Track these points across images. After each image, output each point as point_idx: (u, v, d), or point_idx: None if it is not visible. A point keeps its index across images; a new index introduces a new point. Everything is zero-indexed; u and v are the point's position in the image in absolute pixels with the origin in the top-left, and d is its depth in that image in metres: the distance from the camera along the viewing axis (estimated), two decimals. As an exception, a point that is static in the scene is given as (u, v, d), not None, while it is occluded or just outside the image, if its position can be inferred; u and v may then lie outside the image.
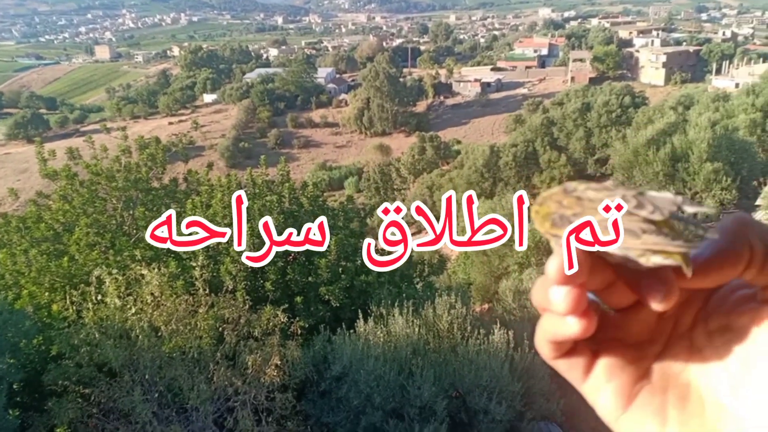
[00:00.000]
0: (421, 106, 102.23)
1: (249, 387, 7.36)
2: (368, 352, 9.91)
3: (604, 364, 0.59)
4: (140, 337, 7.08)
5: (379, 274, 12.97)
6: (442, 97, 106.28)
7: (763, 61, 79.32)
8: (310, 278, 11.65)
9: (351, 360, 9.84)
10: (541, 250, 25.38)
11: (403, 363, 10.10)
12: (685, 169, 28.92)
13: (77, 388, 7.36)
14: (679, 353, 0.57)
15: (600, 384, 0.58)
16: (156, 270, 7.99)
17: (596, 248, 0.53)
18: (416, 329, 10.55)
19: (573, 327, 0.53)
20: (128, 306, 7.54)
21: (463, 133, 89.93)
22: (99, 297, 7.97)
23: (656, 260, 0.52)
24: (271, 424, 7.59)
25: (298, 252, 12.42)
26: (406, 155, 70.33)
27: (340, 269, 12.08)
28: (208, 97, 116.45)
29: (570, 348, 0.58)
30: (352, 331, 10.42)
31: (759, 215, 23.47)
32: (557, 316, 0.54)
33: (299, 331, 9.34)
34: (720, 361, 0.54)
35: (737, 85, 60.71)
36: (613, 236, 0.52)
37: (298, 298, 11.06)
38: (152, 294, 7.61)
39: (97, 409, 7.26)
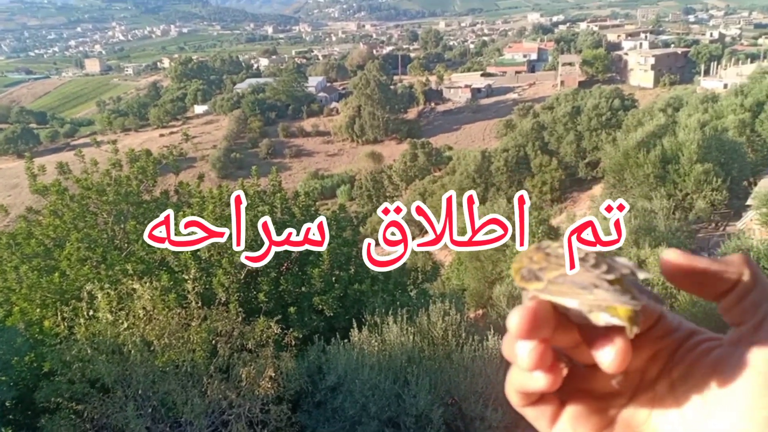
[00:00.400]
0: (412, 113, 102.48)
1: (243, 400, 7.32)
2: (363, 361, 9.89)
3: (570, 413, 0.60)
4: (133, 351, 7.04)
5: (373, 282, 12.95)
6: (432, 104, 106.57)
7: (751, 62, 79.91)
8: (303, 288, 11.63)
9: (346, 370, 9.81)
10: (534, 254, 25.45)
11: (399, 371, 10.08)
12: (676, 170, 29.05)
13: (70, 405, 7.31)
14: (643, 403, 0.59)
15: None
16: (148, 284, 7.95)
17: (552, 298, 0.57)
18: (411, 337, 10.53)
19: (539, 381, 0.55)
20: (120, 321, 7.50)
21: (455, 139, 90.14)
22: (91, 312, 7.92)
23: (605, 318, 0.55)
24: (266, 437, 7.55)
25: (290, 262, 12.41)
26: (398, 162, 70.45)
27: (334, 278, 12.07)
28: (199, 108, 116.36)
29: (538, 397, 0.59)
30: (346, 340, 10.40)
31: (750, 215, 23.62)
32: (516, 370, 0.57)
33: (293, 342, 9.31)
34: (679, 410, 0.55)
35: (726, 86, 61.15)
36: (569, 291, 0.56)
37: (292, 309, 11.03)
38: (144, 308, 7.58)
39: (91, 425, 7.21)
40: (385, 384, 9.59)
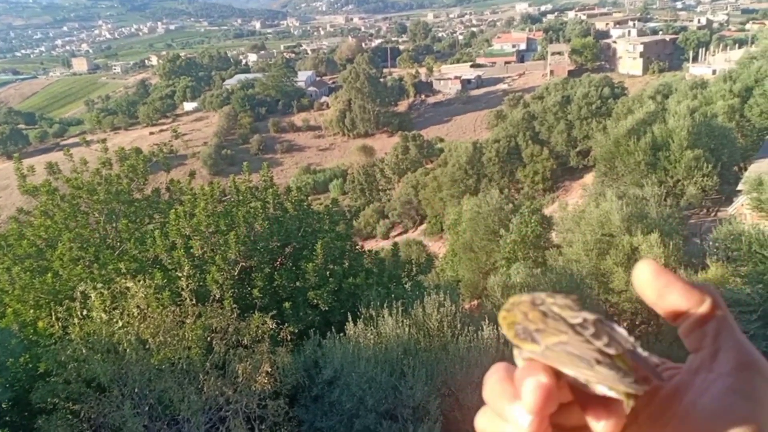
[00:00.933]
0: (402, 106, 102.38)
1: (240, 395, 7.33)
2: (359, 354, 9.91)
3: None
4: (128, 350, 7.03)
5: (368, 275, 12.97)
6: (423, 96, 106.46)
7: (739, 47, 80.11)
8: (297, 283, 11.63)
9: (342, 363, 9.83)
10: (527, 244, 25.51)
11: (395, 364, 10.10)
12: (666, 157, 29.15)
13: (66, 405, 7.30)
14: None
15: None
16: (141, 282, 7.93)
17: (549, 363, 0.57)
18: (406, 329, 10.55)
19: None
20: (115, 320, 7.48)
21: (446, 131, 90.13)
22: (85, 312, 7.90)
23: (602, 390, 0.55)
24: (264, 432, 7.57)
25: (284, 257, 12.40)
26: (390, 155, 70.40)
27: (328, 273, 12.07)
28: (189, 105, 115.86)
29: None
30: (342, 334, 10.41)
31: (741, 200, 23.75)
32: (505, 422, 0.58)
33: (289, 337, 9.31)
34: None
35: (714, 72, 61.32)
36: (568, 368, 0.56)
37: (287, 304, 11.03)
38: (138, 306, 7.56)
39: (88, 425, 7.20)
40: (382, 376, 9.61)
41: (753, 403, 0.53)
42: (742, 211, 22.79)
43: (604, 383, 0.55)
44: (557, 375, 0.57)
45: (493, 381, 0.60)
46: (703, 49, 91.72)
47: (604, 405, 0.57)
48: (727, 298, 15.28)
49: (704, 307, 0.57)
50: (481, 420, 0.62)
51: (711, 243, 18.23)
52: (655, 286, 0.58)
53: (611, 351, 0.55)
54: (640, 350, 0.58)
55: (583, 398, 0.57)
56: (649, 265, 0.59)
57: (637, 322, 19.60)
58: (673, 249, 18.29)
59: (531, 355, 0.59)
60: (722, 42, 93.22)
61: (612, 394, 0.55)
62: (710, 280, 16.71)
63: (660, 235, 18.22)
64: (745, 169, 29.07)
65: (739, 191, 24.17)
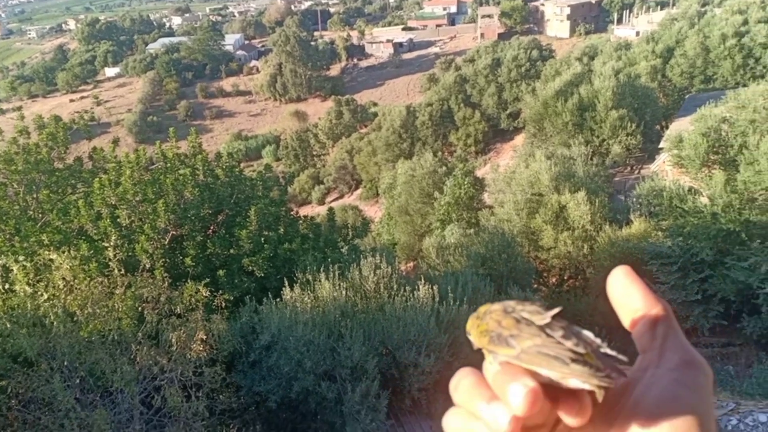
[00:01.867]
0: (334, 70, 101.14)
1: (175, 364, 7.24)
2: (296, 318, 9.92)
3: None
4: (55, 323, 6.80)
5: (303, 240, 12.91)
6: (355, 60, 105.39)
7: (661, 9, 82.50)
8: (231, 250, 11.48)
9: (279, 328, 9.82)
10: (461, 205, 25.95)
11: (332, 326, 10.18)
12: (593, 117, 30.03)
13: (-8, 382, 7.04)
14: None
15: None
16: (66, 254, 7.65)
17: (525, 366, 0.61)
18: (343, 292, 10.62)
19: None
20: (39, 293, 7.22)
21: (379, 95, 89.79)
22: (7, 286, 7.58)
23: (575, 383, 0.59)
24: (201, 399, 7.51)
25: (217, 225, 12.19)
26: (324, 120, 69.69)
27: (263, 239, 11.95)
28: (111, 71, 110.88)
29: None
30: (278, 299, 10.38)
31: (662, 157, 24.77)
32: (479, 423, 0.61)
33: (224, 305, 9.21)
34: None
35: (638, 34, 63.06)
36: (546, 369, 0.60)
37: (221, 272, 10.88)
38: (64, 278, 7.31)
39: (16, 400, 6.97)
40: (320, 339, 9.68)
41: (696, 394, 0.59)
42: (664, 168, 23.82)
43: (578, 378, 0.59)
44: (533, 376, 0.61)
45: (467, 383, 0.62)
46: (627, 11, 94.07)
47: (575, 398, 0.61)
48: (650, 252, 16.03)
49: (656, 310, 0.63)
50: (452, 420, 0.64)
51: (634, 199, 19.01)
52: (624, 282, 0.65)
53: (581, 350, 0.60)
54: (605, 349, 0.63)
55: (553, 396, 0.61)
56: (623, 268, 0.66)
57: (565, 277, 20.37)
58: (598, 206, 19.01)
59: (507, 358, 0.62)
60: (645, 4, 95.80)
61: (586, 386, 0.59)
62: (634, 234, 17.48)
63: (587, 193, 18.87)
64: (667, 128, 30.29)
65: (661, 149, 25.19)
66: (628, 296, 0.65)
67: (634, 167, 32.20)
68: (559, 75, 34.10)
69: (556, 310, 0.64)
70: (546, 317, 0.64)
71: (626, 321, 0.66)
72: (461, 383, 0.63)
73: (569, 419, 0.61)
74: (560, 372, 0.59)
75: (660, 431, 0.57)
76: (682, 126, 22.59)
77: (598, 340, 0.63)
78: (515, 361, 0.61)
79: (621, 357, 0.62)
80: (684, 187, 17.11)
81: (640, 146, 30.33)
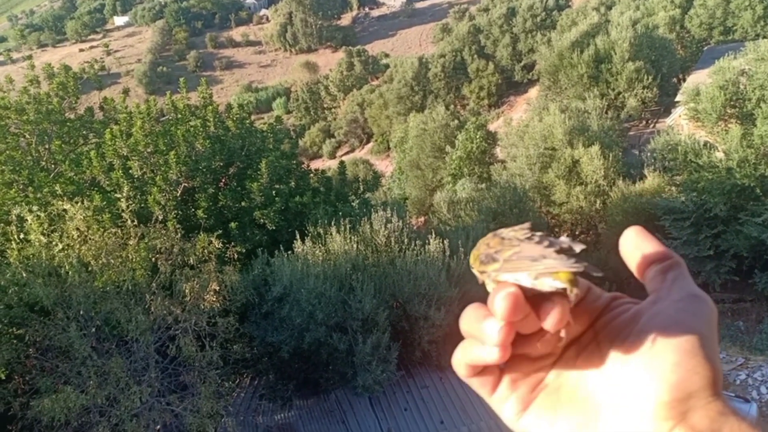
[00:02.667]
0: (346, 19, 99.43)
1: (189, 314, 7.34)
2: (308, 271, 9.99)
3: (508, 379, 0.69)
4: (70, 273, 6.88)
5: (315, 194, 12.90)
6: (367, 9, 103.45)
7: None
8: (243, 203, 11.49)
9: (291, 280, 9.91)
10: (473, 160, 25.79)
11: (344, 279, 10.25)
12: (608, 69, 29.42)
13: (10, 330, 7.17)
14: (571, 360, 0.68)
15: (504, 396, 0.69)
16: (80, 204, 7.69)
17: (508, 275, 0.64)
18: (354, 246, 10.66)
19: (494, 355, 0.61)
20: (54, 243, 7.28)
21: (391, 46, 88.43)
22: (22, 236, 7.65)
23: (549, 282, 0.62)
24: (215, 349, 7.64)
25: (229, 177, 12.19)
26: (335, 72, 68.82)
27: (274, 192, 11.94)
28: (119, 20, 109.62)
29: (482, 369, 0.67)
30: (290, 252, 10.44)
31: (679, 111, 24.37)
32: (479, 344, 0.63)
33: (236, 256, 9.28)
34: (602, 367, 0.64)
35: (657, -16, 61.21)
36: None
37: (233, 224, 10.92)
38: (78, 229, 7.36)
39: (34, 348, 7.13)
40: (331, 291, 9.77)
41: (699, 319, 0.61)
42: (679, 122, 23.46)
43: (549, 272, 0.62)
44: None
45: (468, 311, 0.65)
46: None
47: (551, 300, 0.62)
48: (663, 207, 15.94)
49: (669, 261, 0.65)
50: (457, 351, 0.67)
51: (649, 154, 18.79)
52: (637, 239, 0.67)
53: (554, 248, 0.63)
54: (576, 246, 0.65)
55: (537, 308, 0.63)
56: (635, 228, 0.68)
57: (577, 232, 20.33)
58: (612, 161, 18.82)
59: (494, 273, 0.65)
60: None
61: (558, 284, 0.62)
62: (647, 190, 17.34)
63: (600, 148, 18.66)
64: (684, 80, 29.70)
65: (678, 102, 24.76)
66: (641, 250, 0.67)
67: (650, 121, 31.72)
68: (576, 25, 33.31)
69: (539, 232, 0.67)
70: (526, 231, 0.68)
71: (638, 271, 0.67)
72: (465, 314, 0.65)
73: (548, 323, 0.62)
74: (535, 270, 0.62)
75: (664, 351, 0.59)
76: (699, 79, 22.10)
77: (569, 240, 0.66)
78: (501, 273, 0.64)
79: (579, 246, 0.65)
80: (699, 141, 16.86)
81: (656, 100, 29.78)
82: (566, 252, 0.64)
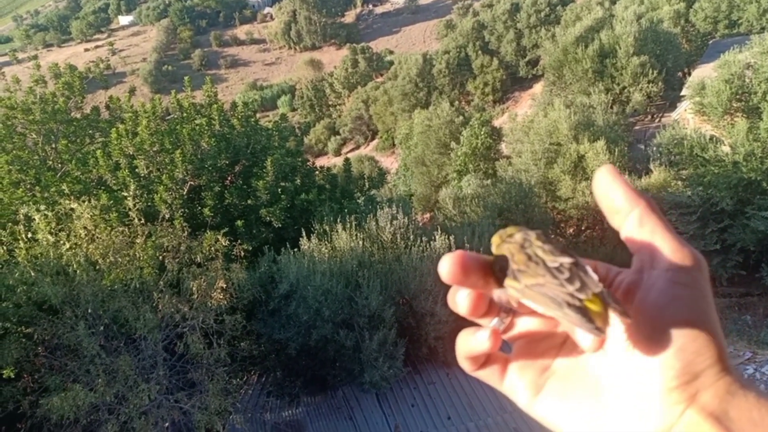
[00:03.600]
0: (349, 17, 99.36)
1: (196, 312, 7.37)
2: (314, 268, 10.01)
3: (514, 367, 0.71)
4: (78, 272, 6.92)
5: (320, 191, 12.92)
6: (370, 6, 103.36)
7: (686, -48, 79.60)
8: (249, 201, 11.52)
9: (297, 277, 9.93)
10: (478, 156, 25.74)
11: (350, 276, 10.27)
12: (613, 64, 29.31)
13: (19, 329, 7.22)
14: (573, 346, 0.68)
15: (514, 383, 0.70)
16: (87, 203, 7.73)
17: (525, 300, 0.65)
18: (360, 242, 10.67)
19: (485, 343, 0.65)
20: (61, 242, 7.32)
21: (395, 43, 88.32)
22: (30, 235, 7.69)
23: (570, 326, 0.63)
24: (223, 346, 7.67)
25: (234, 175, 12.22)
26: (339, 69, 68.79)
27: (280, 190, 11.97)
28: (124, 19, 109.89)
29: (486, 360, 0.70)
30: (296, 249, 10.47)
31: (684, 105, 24.27)
32: (473, 335, 0.66)
33: (243, 254, 9.31)
34: (603, 348, 0.65)
35: (661, -22, 60.89)
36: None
37: (239, 222, 10.95)
38: (85, 228, 7.40)
39: (43, 347, 7.17)
40: (337, 288, 9.78)
41: (694, 290, 0.60)
42: (685, 116, 23.36)
43: (571, 323, 0.61)
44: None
45: (450, 293, 0.68)
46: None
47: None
48: (669, 201, 15.86)
49: (640, 207, 0.64)
50: (456, 347, 0.69)
51: (654, 148, 18.72)
52: (606, 181, 0.65)
53: (581, 296, 0.61)
54: (607, 298, 0.63)
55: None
56: (607, 167, 0.66)
57: (583, 228, 20.29)
58: (618, 155, 18.75)
59: (511, 290, 0.66)
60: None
61: (580, 331, 0.62)
62: (653, 184, 17.28)
63: (606, 143, 18.60)
64: (689, 74, 29.55)
65: (683, 96, 24.65)
66: (611, 197, 0.65)
67: (655, 116, 31.59)
68: (580, 20, 33.16)
69: (568, 259, 0.65)
70: (556, 261, 0.65)
71: (614, 222, 0.67)
72: (448, 296, 0.68)
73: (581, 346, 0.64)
74: (555, 314, 0.62)
75: (665, 337, 0.58)
76: (704, 73, 21.99)
77: (601, 286, 0.63)
78: (517, 294, 0.65)
79: (622, 310, 0.63)
80: (705, 135, 16.79)
81: (662, 94, 29.65)
82: (600, 295, 0.62)
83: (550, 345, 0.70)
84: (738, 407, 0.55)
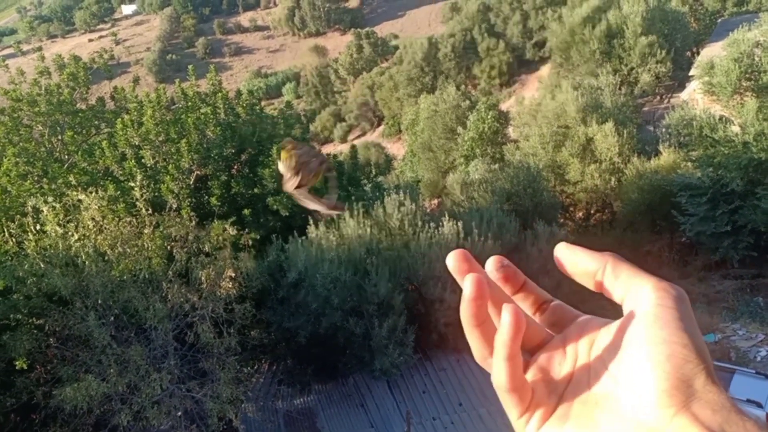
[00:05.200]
0: (353, 1, 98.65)
1: (206, 301, 7.37)
2: (322, 256, 10.00)
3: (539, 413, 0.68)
4: (87, 263, 6.92)
5: (326, 179, 12.87)
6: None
7: (694, -71, 78.40)
8: (256, 190, 11.49)
9: (306, 266, 9.92)
10: (485, 140, 25.60)
11: (358, 263, 10.25)
12: (621, 45, 29.00)
13: (30, 320, 7.25)
14: (581, 377, 0.67)
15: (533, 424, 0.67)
16: (94, 194, 7.72)
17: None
18: (368, 229, 10.64)
19: (468, 288, 0.62)
20: (70, 233, 7.32)
21: (400, 27, 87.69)
22: (38, 227, 7.70)
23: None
24: (233, 335, 7.68)
25: (241, 164, 12.19)
26: (344, 55, 68.39)
27: (286, 177, 11.92)
28: (127, 9, 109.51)
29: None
30: (304, 237, 10.45)
31: (693, 85, 24.01)
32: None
33: (251, 243, 9.29)
34: (604, 368, 0.64)
35: (669, -44, 60.06)
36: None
37: (246, 211, 10.93)
38: (93, 219, 7.39)
39: (54, 338, 7.20)
40: (346, 276, 9.77)
41: (681, 312, 0.60)
42: (694, 96, 23.11)
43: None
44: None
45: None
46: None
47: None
48: (678, 183, 15.74)
49: (609, 262, 0.66)
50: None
51: (664, 129, 18.55)
52: (568, 253, 0.68)
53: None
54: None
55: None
56: (561, 244, 0.69)
57: (592, 211, 20.19)
58: (627, 137, 18.60)
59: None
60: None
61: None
62: (662, 166, 17.14)
63: (615, 124, 18.44)
64: (698, 54, 29.21)
65: (692, 76, 24.37)
66: (578, 263, 0.68)
67: (664, 96, 31.29)
68: (587, 0, 32.81)
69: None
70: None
71: (590, 285, 0.68)
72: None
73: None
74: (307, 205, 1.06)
75: (656, 344, 0.58)
76: (713, 52, 21.72)
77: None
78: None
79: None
80: (715, 115, 16.61)
81: (670, 74, 29.34)
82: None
83: (561, 376, 0.69)
84: (735, 424, 0.54)
